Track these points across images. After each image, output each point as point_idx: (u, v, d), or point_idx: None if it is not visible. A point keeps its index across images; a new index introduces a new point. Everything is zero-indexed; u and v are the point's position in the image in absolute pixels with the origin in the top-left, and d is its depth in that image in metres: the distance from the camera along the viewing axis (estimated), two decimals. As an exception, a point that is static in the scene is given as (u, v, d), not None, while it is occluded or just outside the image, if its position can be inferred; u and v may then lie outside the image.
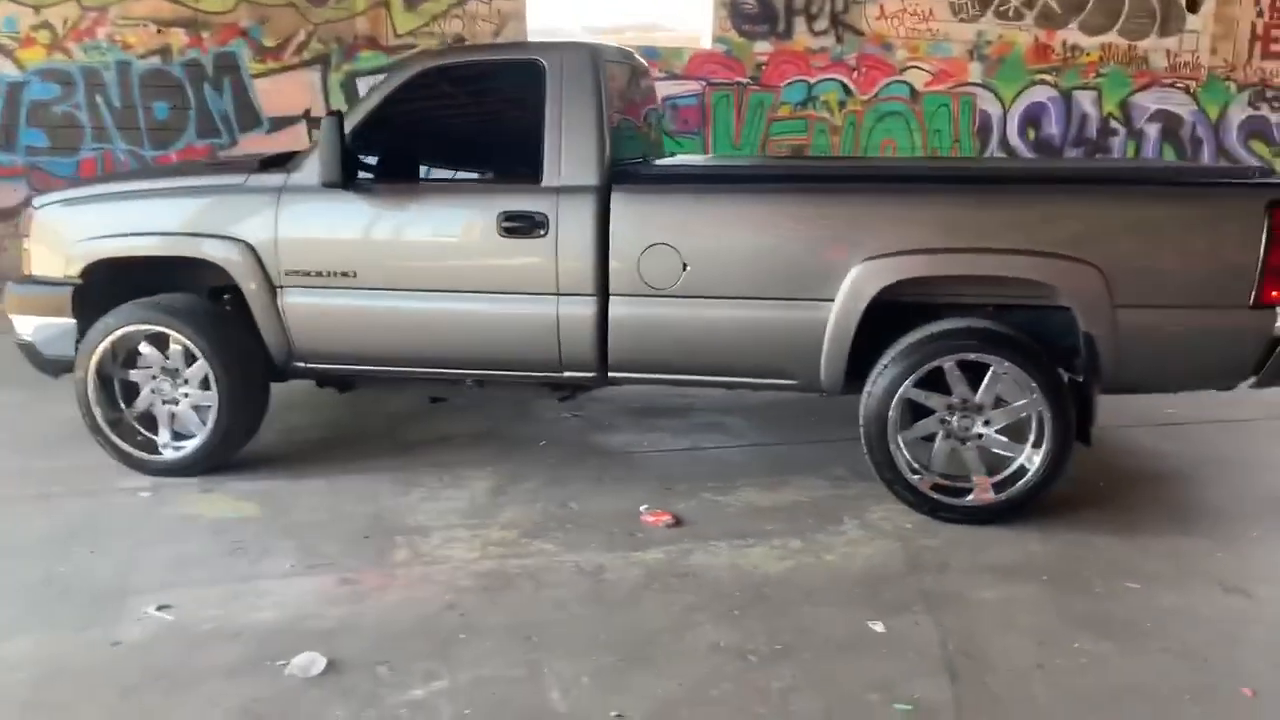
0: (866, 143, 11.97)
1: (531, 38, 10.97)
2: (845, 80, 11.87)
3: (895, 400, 4.06)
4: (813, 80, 11.78)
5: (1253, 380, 4.09)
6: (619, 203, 4.21)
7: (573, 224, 4.22)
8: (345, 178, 4.18)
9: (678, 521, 4.12)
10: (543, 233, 4.24)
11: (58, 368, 4.87)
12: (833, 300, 4.10)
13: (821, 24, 11.79)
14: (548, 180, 4.27)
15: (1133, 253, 3.98)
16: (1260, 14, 13.02)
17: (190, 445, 4.54)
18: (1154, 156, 12.99)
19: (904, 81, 12.16)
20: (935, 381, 4.11)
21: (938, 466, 4.16)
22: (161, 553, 3.81)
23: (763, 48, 11.59)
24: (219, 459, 4.59)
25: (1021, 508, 4.08)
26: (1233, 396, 4.58)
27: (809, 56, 11.68)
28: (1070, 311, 4.07)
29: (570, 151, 4.25)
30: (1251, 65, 13.15)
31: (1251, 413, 5.59)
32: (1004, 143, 12.61)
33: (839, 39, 11.83)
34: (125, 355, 4.60)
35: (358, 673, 2.99)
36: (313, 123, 10.77)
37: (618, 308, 4.25)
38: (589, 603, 3.44)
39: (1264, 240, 3.86)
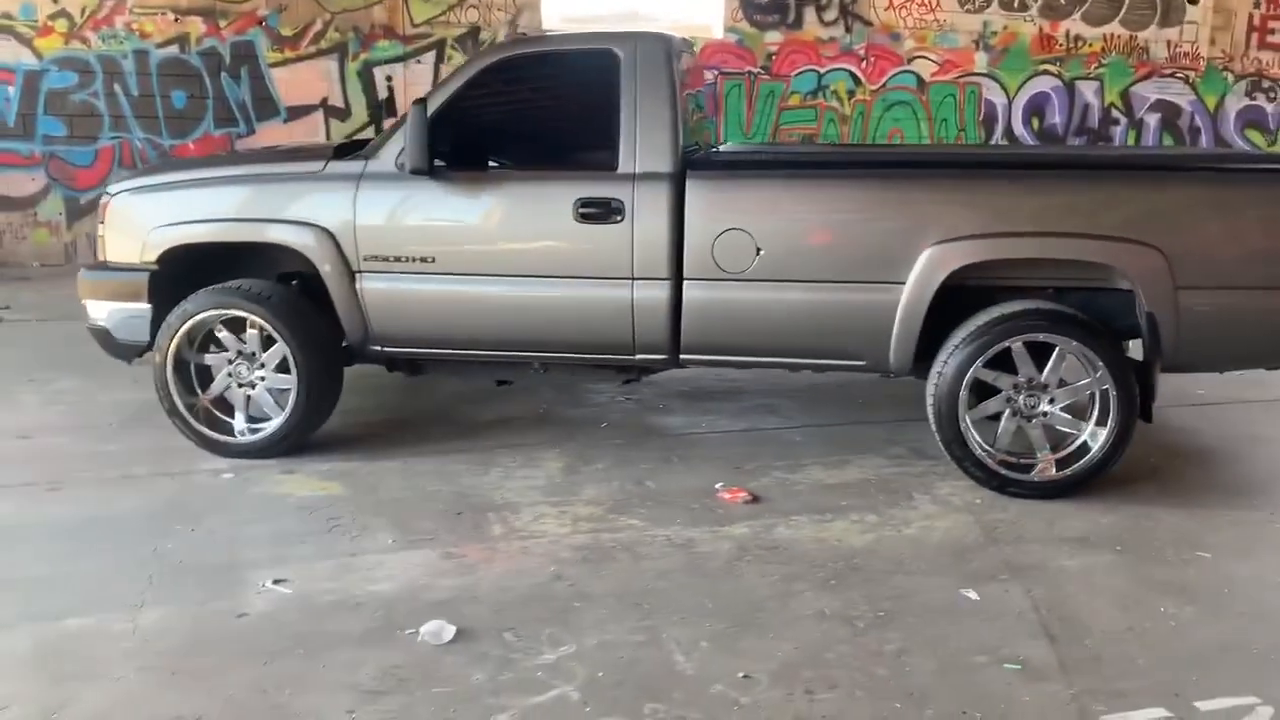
0: (875, 132, 12.14)
1: (546, 26, 11.07)
2: (854, 70, 12.03)
3: (966, 380, 4.21)
4: (822, 70, 11.92)
5: (1304, 360, 4.27)
6: (694, 189, 4.33)
7: (649, 210, 4.34)
8: (432, 165, 4.28)
9: (754, 498, 4.26)
10: (619, 218, 4.36)
11: (131, 352, 4.95)
12: (904, 283, 4.24)
13: (831, 14, 11.93)
14: (624, 167, 4.39)
15: (1193, 236, 4.14)
16: (1257, 5, 13.25)
17: (271, 426, 4.64)
18: (1154, 146, 13.20)
19: (911, 71, 12.32)
20: (1000, 362, 4.26)
21: (1003, 444, 4.32)
22: (260, 530, 3.92)
23: (773, 38, 11.73)
24: (296, 440, 4.68)
25: (1086, 482, 4.24)
26: (1255, 378, 4.81)
27: (819, 46, 11.83)
28: (1127, 293, 4.24)
29: (646, 139, 4.37)
30: (1249, 56, 13.38)
31: (1275, 393, 5.79)
32: (1009, 132, 12.79)
33: (848, 29, 11.97)
34: (200, 340, 4.69)
35: (486, 639, 3.11)
36: (330, 112, 10.85)
37: (692, 291, 4.38)
38: (689, 573, 3.58)
39: (1314, 226, 4.05)
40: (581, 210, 4.38)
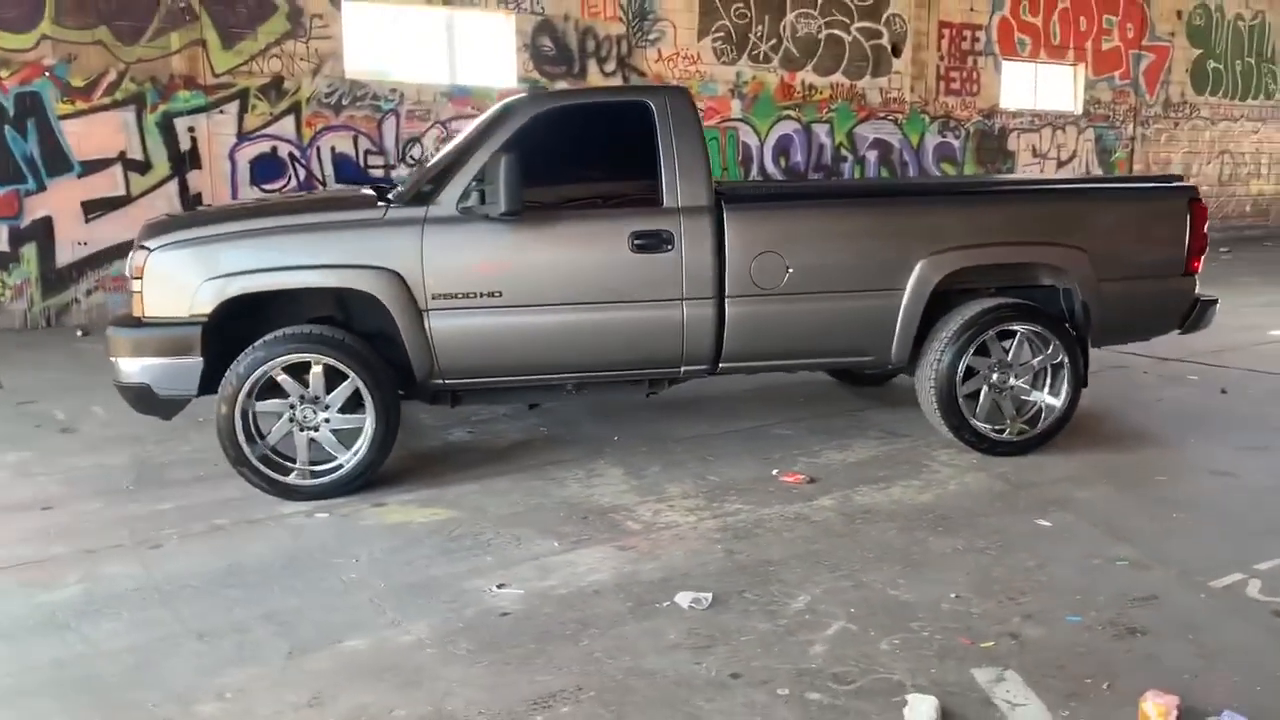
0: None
1: (349, 75, 11.20)
2: (633, 116, 13.04)
3: (961, 366, 5.20)
4: (606, 117, 12.84)
5: (1178, 330, 5.66)
6: (733, 219, 5.04)
7: (695, 239, 5.00)
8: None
9: (811, 479, 5.00)
10: (669, 248, 4.97)
11: (174, 409, 4.92)
12: (903, 289, 5.17)
13: (610, 65, 12.93)
14: (668, 203, 5.01)
15: (1108, 239, 5.39)
16: (942, 59, 15.74)
17: (348, 465, 4.79)
18: (874, 177, 15.27)
19: (681, 117, 13.50)
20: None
21: (982, 415, 5.34)
22: (419, 552, 4.15)
23: (562, 87, 12.51)
24: (369, 477, 4.86)
25: (1050, 438, 5.36)
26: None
27: (601, 95, 12.73)
28: (1049, 288, 5.44)
29: (685, 178, 5.03)
30: (938, 101, 15.84)
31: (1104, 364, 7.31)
32: (761, 170, 14.37)
33: (625, 79, 13.00)
34: (258, 388, 4.76)
35: (732, 601, 3.64)
36: (128, 165, 10.39)
37: (733, 308, 5.07)
38: (827, 537, 4.26)
39: (1189, 226, 5.43)
40: (636, 242, 4.95)
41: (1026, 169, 16.90)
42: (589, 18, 12.62)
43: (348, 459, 4.82)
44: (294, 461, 4.82)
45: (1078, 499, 4.69)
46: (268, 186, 10.98)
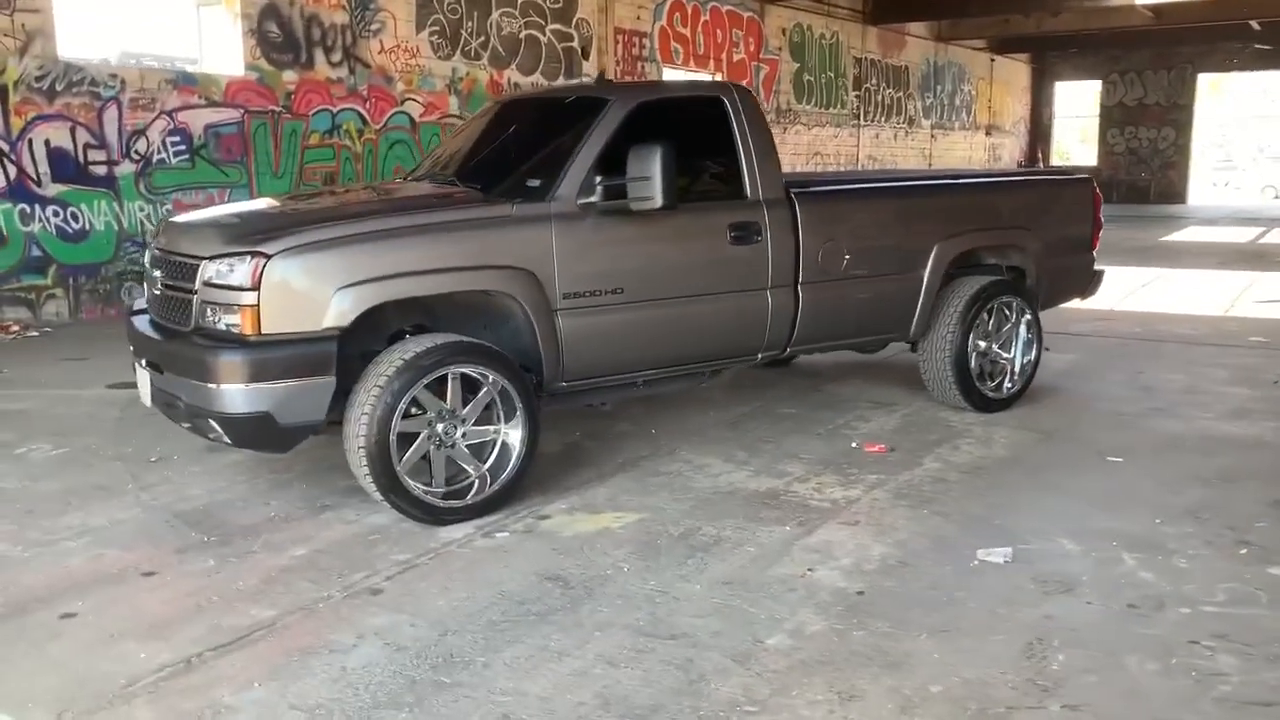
0: (381, 169, 12.75)
1: (61, 58, 9.68)
2: (360, 110, 12.51)
3: (971, 340, 5.91)
4: (335, 110, 12.20)
5: (1080, 298, 6.84)
6: (805, 211, 5.34)
7: (778, 229, 5.23)
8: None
9: (891, 448, 5.44)
10: (758, 239, 5.17)
11: (296, 439, 4.27)
12: (924, 270, 5.79)
13: (336, 56, 12.33)
14: (751, 196, 5.20)
15: (1050, 223, 6.40)
16: (619, 63, 16.63)
17: (501, 480, 4.46)
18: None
19: (404, 112, 13.21)
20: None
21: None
22: (671, 554, 4.04)
23: (290, 77, 11.74)
24: (515, 491, 4.56)
25: (1024, 393, 6.25)
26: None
27: (329, 86, 12.10)
28: (996, 265, 6.35)
29: (763, 171, 5.24)
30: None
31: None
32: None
33: (351, 71, 12.43)
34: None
35: (1019, 553, 4.02)
36: None
37: (805, 293, 5.37)
38: (986, 492, 4.74)
39: (1093, 210, 6.61)
40: (733, 234, 5.09)
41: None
42: (313, 4, 11.83)
43: (482, 472, 4.47)
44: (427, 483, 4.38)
45: (1101, 439, 5.58)
46: (-29, 186, 9.14)
